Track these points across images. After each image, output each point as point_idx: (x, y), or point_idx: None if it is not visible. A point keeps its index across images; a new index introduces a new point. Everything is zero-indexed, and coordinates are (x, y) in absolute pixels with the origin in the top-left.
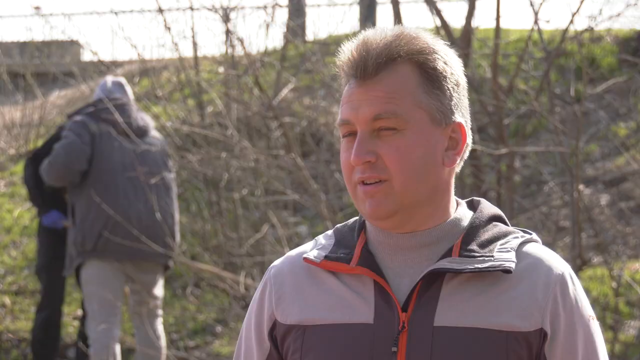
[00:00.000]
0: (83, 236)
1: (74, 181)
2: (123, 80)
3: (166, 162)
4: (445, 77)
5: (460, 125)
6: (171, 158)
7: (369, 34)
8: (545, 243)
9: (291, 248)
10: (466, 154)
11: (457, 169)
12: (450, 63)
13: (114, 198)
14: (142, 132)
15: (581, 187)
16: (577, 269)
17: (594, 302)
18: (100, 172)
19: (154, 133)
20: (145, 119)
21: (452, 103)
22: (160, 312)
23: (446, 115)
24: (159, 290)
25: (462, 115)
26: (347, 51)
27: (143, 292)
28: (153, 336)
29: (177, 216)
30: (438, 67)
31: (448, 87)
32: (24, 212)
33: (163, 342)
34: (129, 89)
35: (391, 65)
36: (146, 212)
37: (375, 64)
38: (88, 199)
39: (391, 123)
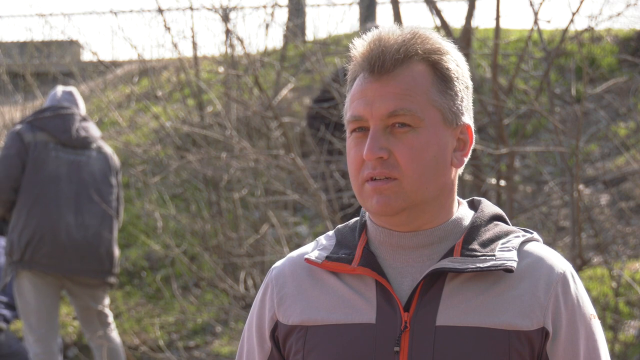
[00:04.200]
0: (11, 246)
1: (9, 199)
2: (74, 90)
3: (108, 176)
4: (457, 78)
5: (468, 127)
6: (117, 173)
7: (384, 30)
8: (545, 243)
9: (291, 248)
10: (469, 156)
11: (460, 171)
12: (461, 65)
13: (43, 209)
14: (83, 144)
15: (581, 187)
16: (577, 269)
17: (594, 302)
18: (32, 182)
19: (101, 146)
20: (89, 130)
21: (463, 104)
22: (110, 320)
23: (457, 116)
24: (102, 303)
25: (470, 117)
26: (361, 45)
27: (84, 302)
28: (110, 343)
29: (115, 233)
30: (451, 67)
31: (459, 89)
32: None
33: (121, 349)
34: (80, 100)
35: (407, 62)
36: (77, 226)
37: (393, 60)
38: (19, 209)
39: (406, 119)
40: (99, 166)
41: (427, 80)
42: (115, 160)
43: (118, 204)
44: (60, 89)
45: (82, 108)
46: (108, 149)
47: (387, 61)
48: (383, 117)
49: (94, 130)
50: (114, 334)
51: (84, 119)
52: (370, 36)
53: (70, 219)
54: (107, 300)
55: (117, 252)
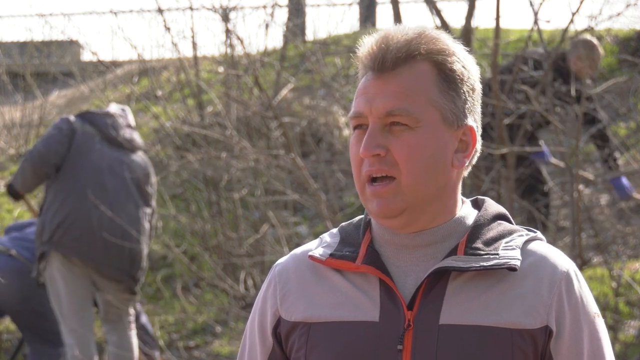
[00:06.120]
0: (43, 226)
1: (48, 174)
2: (127, 107)
3: (146, 185)
4: (462, 80)
5: (471, 128)
6: (153, 186)
7: (391, 29)
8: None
9: (291, 248)
10: (474, 160)
11: (465, 173)
12: (468, 67)
13: (80, 195)
14: (127, 146)
15: (581, 187)
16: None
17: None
18: (73, 167)
19: (144, 156)
20: (134, 137)
21: (466, 106)
22: (133, 325)
23: (459, 117)
24: (126, 304)
25: (475, 120)
26: (367, 44)
27: (108, 296)
28: (126, 343)
29: (145, 241)
30: (456, 69)
31: (463, 91)
32: (23, 212)
33: (135, 351)
34: (130, 115)
35: (410, 61)
36: (108, 219)
37: (394, 58)
38: (55, 191)
39: (403, 120)
40: (141, 172)
41: (429, 80)
42: (153, 174)
43: (152, 217)
44: (115, 105)
45: (131, 120)
46: (149, 161)
47: (388, 60)
48: (381, 116)
49: (139, 140)
50: (134, 339)
51: (131, 127)
52: (378, 34)
53: (105, 210)
54: (131, 309)
55: (143, 261)
